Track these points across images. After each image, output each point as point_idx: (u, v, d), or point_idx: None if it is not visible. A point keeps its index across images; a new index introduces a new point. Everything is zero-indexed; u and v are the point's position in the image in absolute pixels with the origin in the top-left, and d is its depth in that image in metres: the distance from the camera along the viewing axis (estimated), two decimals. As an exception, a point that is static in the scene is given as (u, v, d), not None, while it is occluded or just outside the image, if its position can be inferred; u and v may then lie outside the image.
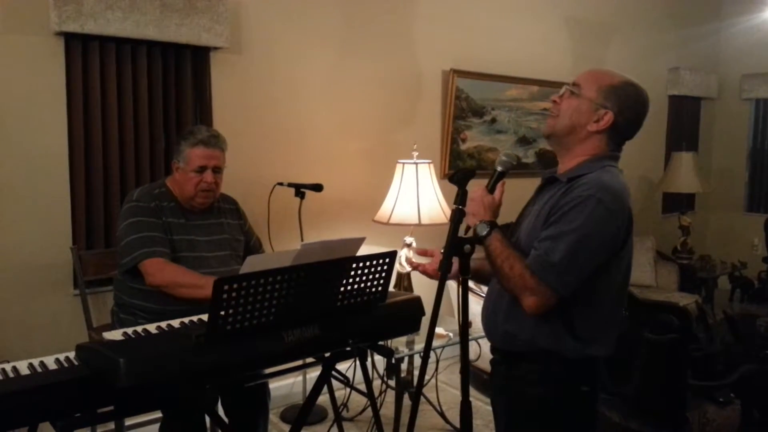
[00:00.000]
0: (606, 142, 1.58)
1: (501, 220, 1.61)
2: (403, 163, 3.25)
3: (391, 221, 3.20)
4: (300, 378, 3.42)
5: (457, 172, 1.59)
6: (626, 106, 1.56)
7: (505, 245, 1.53)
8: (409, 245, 3.22)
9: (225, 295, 1.47)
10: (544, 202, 1.59)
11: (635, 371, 2.53)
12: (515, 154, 1.64)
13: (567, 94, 1.60)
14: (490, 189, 1.62)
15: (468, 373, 1.54)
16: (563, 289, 1.46)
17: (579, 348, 1.53)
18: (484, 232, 1.54)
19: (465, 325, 1.54)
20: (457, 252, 1.52)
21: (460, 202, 1.54)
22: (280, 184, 3.11)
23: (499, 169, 1.63)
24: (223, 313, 1.49)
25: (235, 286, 1.48)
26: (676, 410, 2.53)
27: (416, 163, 3.21)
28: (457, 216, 1.53)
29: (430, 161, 3.31)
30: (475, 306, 1.90)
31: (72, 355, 1.56)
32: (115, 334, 1.64)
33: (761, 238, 5.32)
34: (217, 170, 2.31)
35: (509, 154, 1.63)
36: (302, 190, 3.07)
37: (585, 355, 1.54)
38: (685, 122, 5.87)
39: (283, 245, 3.06)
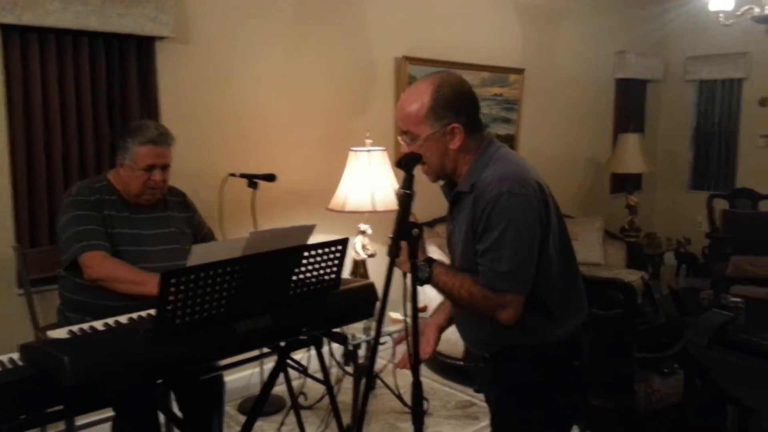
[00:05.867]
0: (472, 140, 1.59)
1: (432, 215, 1.57)
2: (356, 151, 3.26)
3: (346, 209, 3.21)
4: (257, 369, 3.41)
5: (403, 156, 1.60)
6: (457, 107, 1.56)
7: (452, 273, 1.54)
8: (364, 232, 3.24)
9: (173, 288, 1.46)
10: (462, 215, 1.59)
11: (584, 346, 2.61)
12: (401, 190, 1.54)
13: (411, 145, 1.59)
14: None
15: (418, 356, 1.56)
16: (526, 288, 1.49)
17: (561, 329, 1.57)
18: (426, 274, 1.53)
19: (415, 308, 1.56)
20: (405, 236, 1.53)
21: (406, 186, 1.55)
22: (233, 175, 3.07)
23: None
24: (170, 307, 1.47)
25: (182, 279, 1.47)
26: (624, 382, 2.63)
27: (369, 151, 3.22)
28: (404, 201, 1.54)
29: (384, 148, 3.32)
30: (429, 290, 1.92)
31: (16, 355, 1.53)
32: (61, 332, 1.61)
33: (704, 215, 5.54)
34: (165, 167, 2.27)
35: (398, 190, 1.57)
36: (255, 180, 3.05)
37: (568, 333, 1.58)
38: (632, 104, 6.03)
39: (236, 236, 3.04)
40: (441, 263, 1.58)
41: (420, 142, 1.57)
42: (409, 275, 1.52)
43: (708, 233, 5.32)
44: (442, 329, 1.84)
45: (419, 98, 1.57)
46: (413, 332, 1.56)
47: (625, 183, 5.66)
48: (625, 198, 5.49)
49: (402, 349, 1.69)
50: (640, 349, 2.72)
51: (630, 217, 5.39)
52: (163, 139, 2.25)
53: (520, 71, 4.75)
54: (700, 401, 2.69)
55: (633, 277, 4.16)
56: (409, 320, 1.50)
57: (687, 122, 6.26)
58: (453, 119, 1.55)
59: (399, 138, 1.63)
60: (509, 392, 1.65)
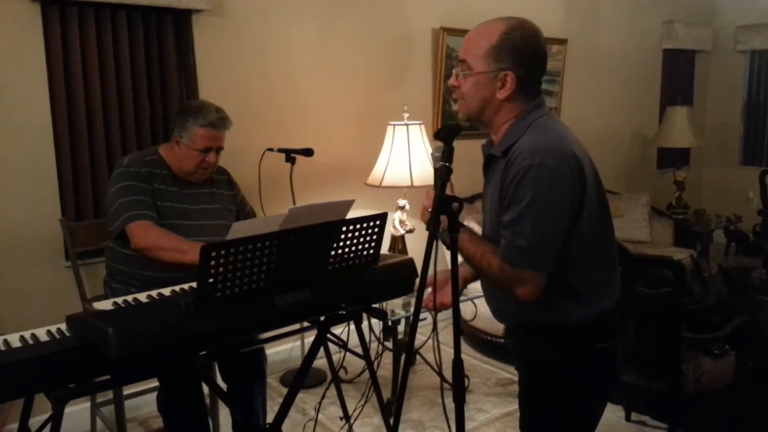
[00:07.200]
0: (520, 99, 1.51)
1: (471, 190, 1.54)
2: (394, 125, 3.21)
3: (384, 184, 3.17)
4: (298, 342, 3.44)
5: (443, 128, 1.54)
6: (521, 56, 1.48)
7: (476, 242, 1.50)
8: (402, 208, 3.20)
9: (213, 262, 1.45)
10: (493, 181, 1.54)
11: (630, 325, 2.54)
12: (441, 145, 1.50)
13: (461, 77, 1.52)
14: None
15: (459, 332, 1.53)
16: (547, 266, 1.43)
17: (584, 310, 1.51)
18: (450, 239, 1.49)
19: (455, 285, 1.52)
20: (444, 210, 1.49)
21: (446, 159, 1.50)
22: (270, 149, 3.06)
23: (436, 167, 1.53)
24: (211, 280, 1.47)
25: (222, 252, 1.46)
26: (671, 363, 2.55)
27: (407, 125, 3.17)
28: (443, 173, 1.50)
29: (421, 122, 3.26)
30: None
31: (64, 326, 1.55)
32: (105, 304, 1.63)
33: (756, 192, 5.32)
34: (219, 150, 2.31)
35: (437, 147, 1.52)
36: (292, 155, 3.03)
37: (593, 315, 1.52)
38: (680, 76, 5.81)
39: (275, 211, 3.03)
40: (468, 229, 1.53)
41: (470, 77, 1.51)
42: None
43: (760, 210, 5.11)
44: (466, 282, 1.80)
45: (488, 34, 1.50)
46: (453, 307, 1.52)
47: (672, 158, 5.46)
48: (672, 173, 5.30)
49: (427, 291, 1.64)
50: (689, 329, 2.64)
51: (677, 193, 5.21)
52: (222, 123, 2.28)
53: (562, 42, 4.60)
54: (751, 383, 2.60)
55: (682, 255, 4.03)
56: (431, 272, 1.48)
57: (738, 94, 6.00)
58: (510, 67, 1.48)
59: (454, 70, 1.57)
60: (532, 370, 1.63)
